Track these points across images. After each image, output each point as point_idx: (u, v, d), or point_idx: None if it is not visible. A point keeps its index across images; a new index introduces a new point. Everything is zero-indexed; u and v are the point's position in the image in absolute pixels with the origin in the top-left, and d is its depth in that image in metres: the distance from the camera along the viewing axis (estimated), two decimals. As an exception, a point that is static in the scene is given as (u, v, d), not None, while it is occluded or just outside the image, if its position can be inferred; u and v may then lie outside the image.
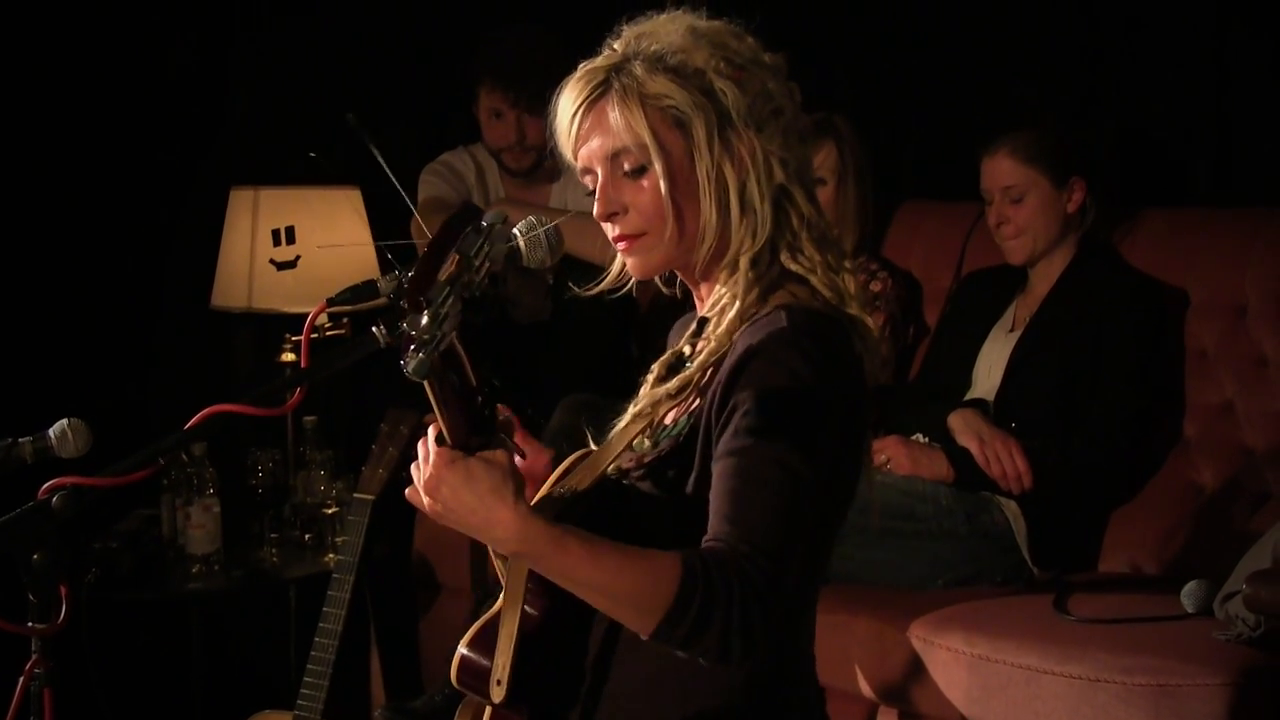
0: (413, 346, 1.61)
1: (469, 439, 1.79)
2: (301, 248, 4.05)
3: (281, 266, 4.07)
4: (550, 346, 4.15)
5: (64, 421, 2.07)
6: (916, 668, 3.19)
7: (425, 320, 1.60)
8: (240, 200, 4.17)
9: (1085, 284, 3.62)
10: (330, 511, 4.00)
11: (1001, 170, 3.67)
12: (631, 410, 2.03)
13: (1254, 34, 3.83)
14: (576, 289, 2.10)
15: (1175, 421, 3.62)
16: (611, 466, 2.02)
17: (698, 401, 1.97)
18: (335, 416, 4.20)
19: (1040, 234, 3.66)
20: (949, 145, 4.30)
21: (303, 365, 1.77)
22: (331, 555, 3.85)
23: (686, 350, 2.08)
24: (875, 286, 3.93)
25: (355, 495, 3.53)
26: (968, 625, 3.16)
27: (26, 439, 2.07)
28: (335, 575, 3.47)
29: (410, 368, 1.60)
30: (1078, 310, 3.59)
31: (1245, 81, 3.86)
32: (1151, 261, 3.68)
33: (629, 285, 2.10)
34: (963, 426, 3.53)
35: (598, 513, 1.96)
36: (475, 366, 1.77)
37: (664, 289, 2.12)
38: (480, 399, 1.79)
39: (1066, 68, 4.15)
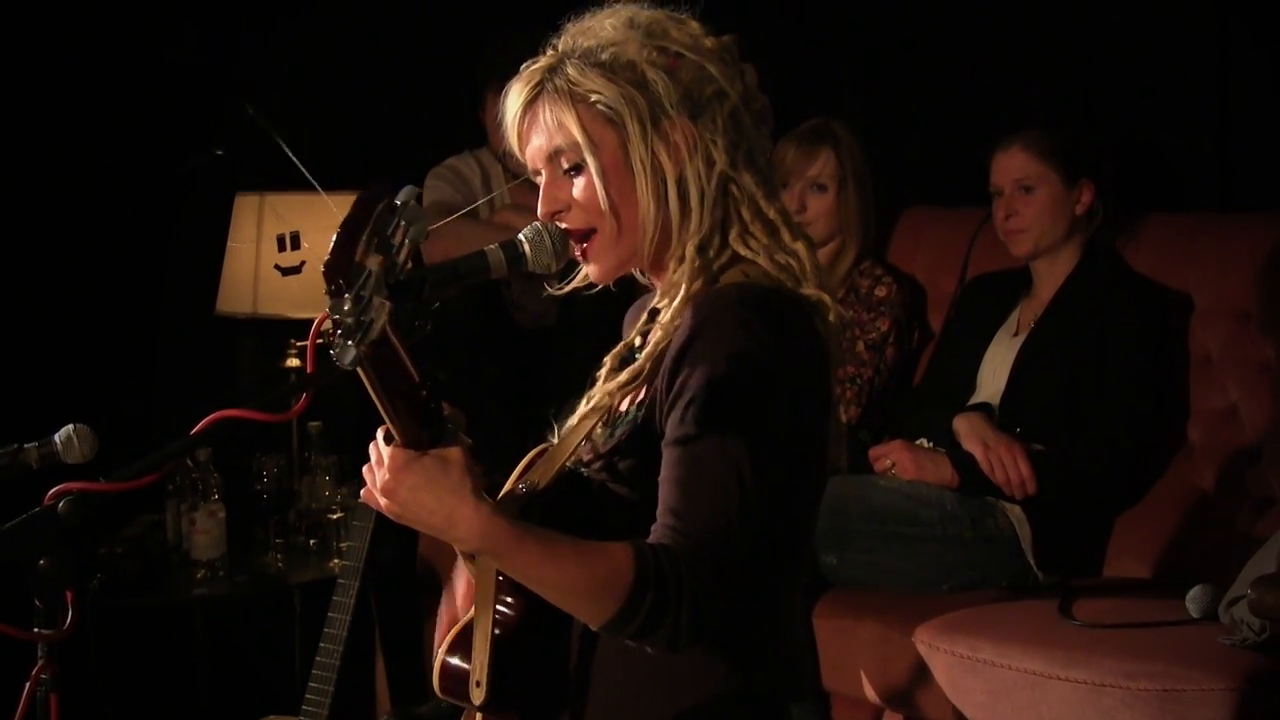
0: (339, 334, 1.56)
1: (419, 434, 1.77)
2: (307, 253, 4.05)
3: (286, 272, 4.06)
4: (556, 351, 4.15)
5: (69, 427, 2.06)
6: (921, 672, 3.19)
7: (348, 305, 1.55)
8: (245, 205, 4.17)
9: (1090, 289, 3.62)
10: (335, 517, 4.00)
11: (1015, 163, 3.68)
12: (584, 405, 2.03)
13: (1256, 39, 3.82)
14: (550, 288, 2.10)
15: (1180, 426, 3.62)
16: (570, 460, 2.01)
17: (649, 387, 1.96)
18: (340, 422, 4.19)
19: (1046, 229, 3.66)
20: (953, 151, 4.30)
21: (308, 371, 1.76)
22: (336, 560, 3.85)
23: (637, 341, 2.08)
24: (880, 292, 3.92)
25: (360, 501, 3.52)
26: (972, 630, 3.15)
27: (32, 445, 2.06)
28: (340, 580, 3.48)
29: (341, 358, 1.56)
30: (1082, 315, 3.59)
31: (1248, 86, 3.85)
32: (1155, 266, 3.67)
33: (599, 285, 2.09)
34: (968, 430, 3.53)
35: (559, 507, 1.96)
36: (415, 360, 1.73)
37: (641, 279, 2.12)
38: (425, 392, 1.75)
39: (1070, 73, 4.14)
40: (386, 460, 1.79)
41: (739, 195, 1.99)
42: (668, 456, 1.88)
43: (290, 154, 3.31)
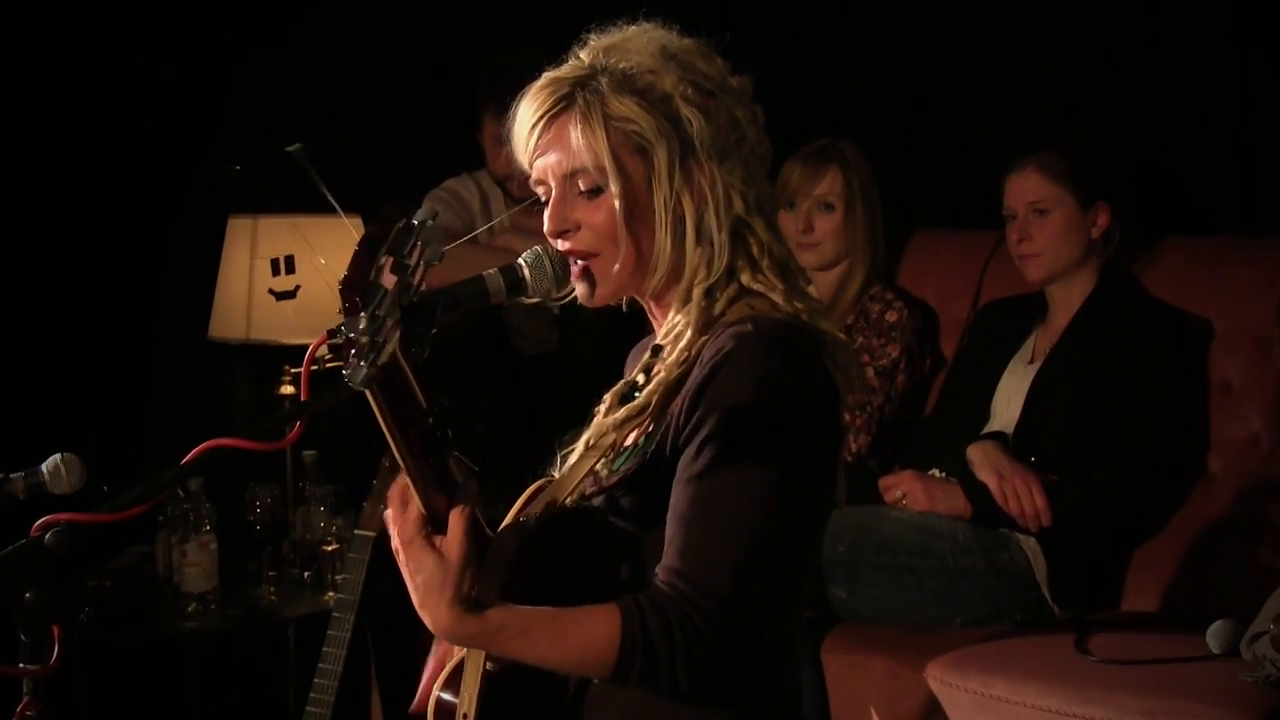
0: (353, 353, 1.56)
1: (424, 460, 1.78)
2: (301, 278, 4.03)
3: (281, 297, 4.04)
4: (557, 377, 4.13)
5: (57, 456, 2.06)
6: (933, 709, 3.17)
7: (363, 324, 1.55)
8: (239, 229, 4.15)
9: (1106, 315, 3.61)
10: (330, 548, 3.98)
11: (1029, 186, 3.66)
12: (583, 442, 2.02)
13: (1276, 63, 3.83)
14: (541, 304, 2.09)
15: (1200, 456, 3.61)
16: (571, 495, 2.01)
17: (656, 422, 1.95)
18: (335, 451, 4.19)
19: (1061, 253, 3.64)
20: (965, 174, 4.31)
21: (302, 398, 1.75)
22: (332, 594, 3.82)
23: (640, 379, 2.06)
24: (891, 317, 3.89)
25: (356, 532, 3.53)
26: (986, 666, 3.14)
27: (19, 474, 2.05)
28: (335, 614, 3.46)
29: (354, 377, 1.56)
30: (1099, 342, 3.57)
31: (1268, 108, 3.86)
32: (1174, 292, 3.67)
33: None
34: (982, 459, 3.50)
35: (559, 539, 1.96)
36: (422, 387, 1.74)
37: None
38: (431, 419, 1.76)
39: (1086, 96, 4.16)
40: (394, 532, 1.86)
41: (751, 240, 2.00)
42: (680, 495, 1.88)
43: (325, 190, 3.29)
